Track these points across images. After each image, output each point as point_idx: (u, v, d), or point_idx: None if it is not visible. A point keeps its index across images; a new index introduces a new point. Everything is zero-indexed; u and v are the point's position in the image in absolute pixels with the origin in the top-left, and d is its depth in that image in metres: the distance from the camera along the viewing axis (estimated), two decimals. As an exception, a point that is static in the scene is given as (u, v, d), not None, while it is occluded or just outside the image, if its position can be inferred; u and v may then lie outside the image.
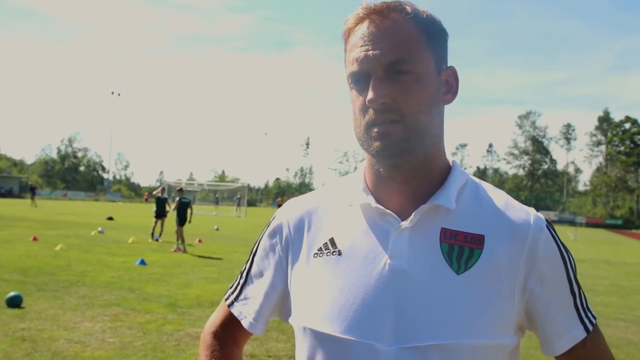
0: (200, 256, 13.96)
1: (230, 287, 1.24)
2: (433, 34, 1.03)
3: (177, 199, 15.53)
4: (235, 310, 1.20)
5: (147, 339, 6.02)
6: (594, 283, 12.52)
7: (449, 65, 1.08)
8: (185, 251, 14.58)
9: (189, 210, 15.42)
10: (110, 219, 27.90)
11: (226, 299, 1.23)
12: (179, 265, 11.97)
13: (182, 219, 15.03)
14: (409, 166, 1.02)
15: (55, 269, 10.39)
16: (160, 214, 17.85)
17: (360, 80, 1.01)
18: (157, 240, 17.36)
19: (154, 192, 18.91)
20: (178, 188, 16.32)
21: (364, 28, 1.01)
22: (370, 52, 0.99)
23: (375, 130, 0.99)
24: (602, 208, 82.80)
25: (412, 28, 1.00)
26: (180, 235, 14.78)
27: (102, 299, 7.99)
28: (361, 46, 1.00)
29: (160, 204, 18.00)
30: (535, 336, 1.07)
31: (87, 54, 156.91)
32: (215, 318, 1.25)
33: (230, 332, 1.22)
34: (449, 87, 1.07)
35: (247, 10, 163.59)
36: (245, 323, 1.18)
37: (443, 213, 1.03)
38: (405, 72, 0.99)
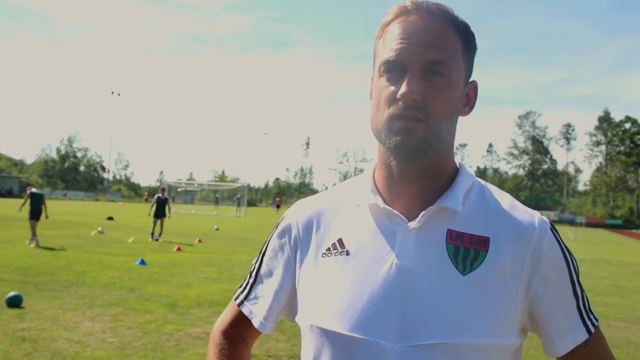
0: (200, 256, 13.98)
1: (240, 287, 1.24)
2: (470, 45, 1.06)
3: (29, 192, 14.85)
4: (245, 310, 1.21)
5: (147, 339, 6.02)
6: (594, 283, 12.52)
7: (471, 79, 1.10)
8: (37, 244, 13.78)
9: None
10: (110, 219, 27.91)
11: (236, 298, 1.23)
12: (179, 265, 11.98)
13: (36, 213, 14.45)
14: (420, 165, 1.03)
15: (55, 269, 10.40)
16: (160, 214, 17.95)
17: (393, 69, 1.01)
18: (157, 240, 17.39)
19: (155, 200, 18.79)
20: (28, 184, 15.73)
21: (410, 20, 1.01)
22: (413, 45, 0.99)
23: (399, 124, 0.99)
24: (602, 208, 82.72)
25: (455, 35, 1.03)
26: (33, 228, 14.22)
27: (102, 299, 8.00)
28: (403, 37, 1.00)
29: (160, 204, 18.12)
30: (538, 337, 1.08)
31: (86, 54, 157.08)
32: (224, 317, 1.26)
33: (239, 331, 1.23)
34: (469, 100, 1.09)
35: (247, 10, 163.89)
36: (255, 322, 1.19)
37: (449, 215, 1.04)
38: (440, 74, 1.00)
